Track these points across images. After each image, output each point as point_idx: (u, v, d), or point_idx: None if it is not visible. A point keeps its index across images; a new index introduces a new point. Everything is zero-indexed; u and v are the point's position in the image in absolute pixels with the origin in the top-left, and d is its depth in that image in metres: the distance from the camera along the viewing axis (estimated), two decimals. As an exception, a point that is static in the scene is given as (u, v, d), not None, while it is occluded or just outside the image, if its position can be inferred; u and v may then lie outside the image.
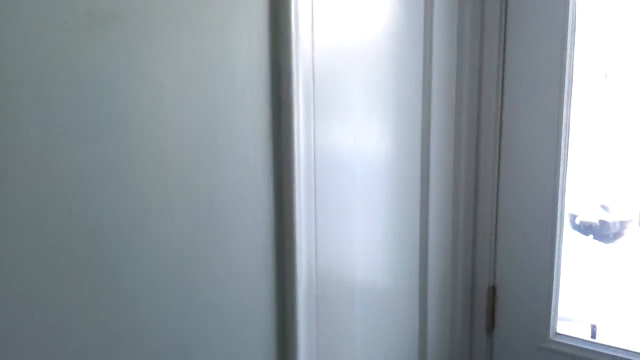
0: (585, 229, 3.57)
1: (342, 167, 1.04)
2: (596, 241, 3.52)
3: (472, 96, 1.32)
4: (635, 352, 1.27)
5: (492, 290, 1.40)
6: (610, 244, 3.58)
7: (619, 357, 1.28)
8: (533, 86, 1.29)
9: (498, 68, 1.31)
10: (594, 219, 3.56)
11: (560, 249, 1.33)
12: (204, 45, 0.79)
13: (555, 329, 1.37)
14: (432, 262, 1.32)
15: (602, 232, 3.58)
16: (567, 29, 1.23)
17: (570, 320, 2.44)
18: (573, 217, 3.49)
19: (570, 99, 1.28)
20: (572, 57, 1.25)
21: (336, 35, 1.00)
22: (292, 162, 0.91)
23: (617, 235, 3.58)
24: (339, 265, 1.06)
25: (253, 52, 0.86)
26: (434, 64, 1.22)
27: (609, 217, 3.63)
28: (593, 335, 2.53)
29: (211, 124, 0.81)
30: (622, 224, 3.62)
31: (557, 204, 1.31)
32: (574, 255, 2.96)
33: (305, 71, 0.93)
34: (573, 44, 1.25)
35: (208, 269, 0.82)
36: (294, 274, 0.93)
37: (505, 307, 1.40)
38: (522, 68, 1.30)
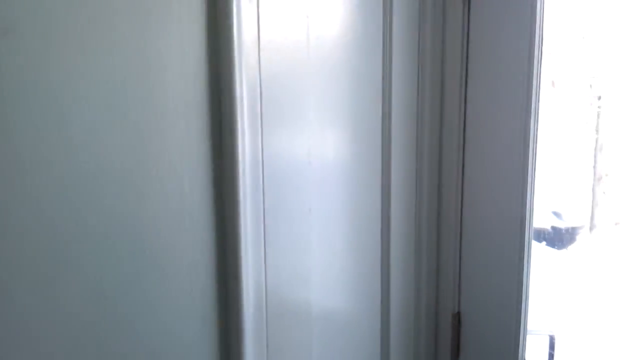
0: (538, 235, 3.54)
1: (295, 188, 0.90)
2: (549, 248, 3.49)
3: (433, 107, 1.20)
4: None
5: (457, 317, 1.29)
6: (563, 250, 3.55)
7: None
8: (498, 97, 1.18)
9: (461, 77, 1.20)
10: (547, 226, 3.52)
11: (528, 273, 1.23)
12: (124, 62, 0.64)
13: (524, 356, 1.26)
14: (394, 287, 1.20)
15: (554, 238, 3.55)
16: (534, 41, 1.12)
17: (529, 332, 2.36)
18: (526, 224, 3.42)
19: (538, 111, 1.18)
20: (539, 68, 1.15)
21: (286, 47, 0.87)
22: (236, 189, 0.77)
23: (569, 241, 3.56)
24: (293, 297, 0.92)
25: (188, 67, 0.71)
26: (393, 73, 1.09)
27: (561, 224, 3.60)
28: (552, 347, 2.46)
29: (135, 157, 0.66)
30: (574, 230, 3.60)
31: (525, 224, 1.20)
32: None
33: (250, 87, 0.79)
34: (540, 54, 1.15)
35: (132, 330, 0.67)
36: (240, 319, 0.79)
37: (471, 334, 1.28)
38: (485, 77, 1.19)
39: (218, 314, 0.77)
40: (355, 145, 1.05)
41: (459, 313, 1.29)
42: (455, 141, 1.22)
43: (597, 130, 3.68)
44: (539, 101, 1.18)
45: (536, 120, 1.18)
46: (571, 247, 3.52)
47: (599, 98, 3.61)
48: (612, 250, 3.44)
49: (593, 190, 3.74)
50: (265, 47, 0.82)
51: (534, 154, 1.19)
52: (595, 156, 3.74)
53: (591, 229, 3.74)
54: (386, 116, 1.10)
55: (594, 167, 3.74)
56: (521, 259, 1.21)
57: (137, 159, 0.66)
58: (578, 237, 3.59)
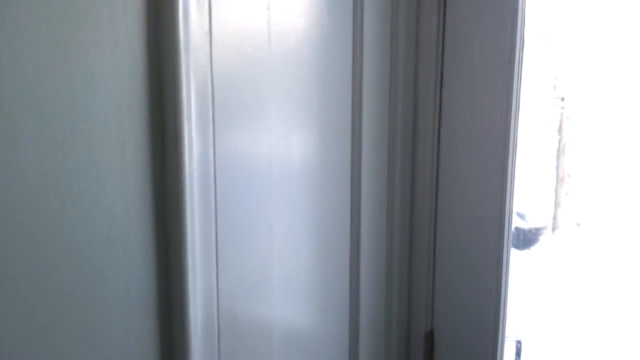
0: (502, 237, 3.45)
1: (254, 203, 0.77)
2: (512, 249, 3.42)
3: (407, 109, 1.08)
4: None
5: (430, 335, 1.18)
6: (526, 251, 3.50)
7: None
8: (476, 98, 1.07)
9: (436, 77, 1.08)
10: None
11: (507, 289, 1.12)
12: (40, 56, 0.50)
13: (501, 377, 1.16)
14: (363, 304, 1.08)
15: (518, 239, 3.49)
16: (515, 40, 1.02)
17: (497, 338, 2.28)
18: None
19: (518, 114, 1.07)
20: (520, 69, 1.04)
21: (244, 43, 0.74)
22: (182, 209, 0.64)
23: (532, 242, 3.51)
24: (251, 327, 0.79)
25: (121, 64, 0.58)
26: (364, 73, 0.97)
27: (525, 225, 3.55)
28: (518, 353, 2.38)
29: (53, 172, 0.52)
30: (537, 230, 3.55)
31: (503, 237, 1.10)
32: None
33: (200, 87, 0.66)
34: (521, 54, 1.04)
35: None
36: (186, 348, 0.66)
37: (445, 354, 1.17)
38: (462, 76, 1.07)
39: (161, 356, 0.64)
40: (323, 153, 0.93)
41: (432, 331, 1.18)
42: (429, 148, 1.11)
43: (559, 131, 3.64)
44: (519, 103, 1.07)
45: (516, 124, 1.07)
46: (534, 248, 3.47)
47: (562, 99, 3.57)
48: (574, 250, 3.40)
49: (555, 190, 3.70)
50: (218, 42, 0.69)
51: (514, 162, 1.09)
52: (557, 157, 3.71)
53: (554, 229, 3.70)
54: (356, 121, 0.98)
55: (557, 167, 3.71)
56: (499, 273, 1.11)
57: (56, 174, 0.52)
58: (541, 238, 3.54)
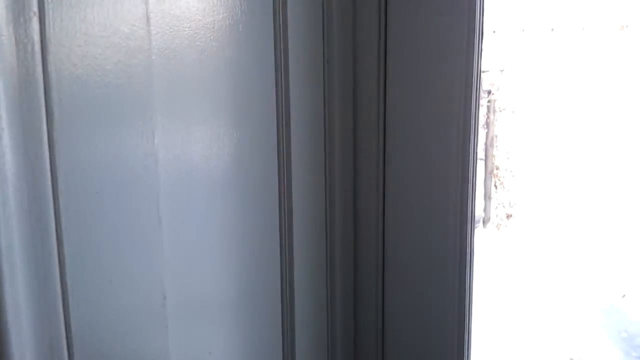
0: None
1: (136, 263, 0.51)
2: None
3: (345, 106, 0.84)
4: None
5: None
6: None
7: None
8: (426, 94, 0.85)
9: (378, 70, 0.85)
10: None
11: (470, 321, 0.91)
12: None
13: None
14: (300, 352, 0.84)
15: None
16: (474, 33, 0.80)
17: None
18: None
19: (478, 107, 0.86)
20: (479, 61, 0.83)
21: (103, 28, 0.47)
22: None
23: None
24: None
25: None
26: (291, 66, 0.71)
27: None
28: None
29: None
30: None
31: (465, 254, 0.88)
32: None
33: (22, 97, 0.39)
34: (480, 48, 0.82)
35: None
36: None
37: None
38: (410, 68, 0.84)
39: None
40: (240, 169, 0.67)
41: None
42: (374, 153, 0.88)
43: (487, 125, 3.52)
44: (479, 96, 0.85)
45: (477, 121, 0.85)
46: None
47: (489, 93, 3.45)
48: (506, 242, 3.30)
49: (485, 183, 3.59)
50: (57, 28, 0.42)
51: (474, 168, 0.87)
52: (485, 150, 3.59)
53: (485, 222, 3.59)
54: (282, 124, 0.73)
55: (485, 160, 3.59)
56: (462, 302, 0.89)
57: None
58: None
